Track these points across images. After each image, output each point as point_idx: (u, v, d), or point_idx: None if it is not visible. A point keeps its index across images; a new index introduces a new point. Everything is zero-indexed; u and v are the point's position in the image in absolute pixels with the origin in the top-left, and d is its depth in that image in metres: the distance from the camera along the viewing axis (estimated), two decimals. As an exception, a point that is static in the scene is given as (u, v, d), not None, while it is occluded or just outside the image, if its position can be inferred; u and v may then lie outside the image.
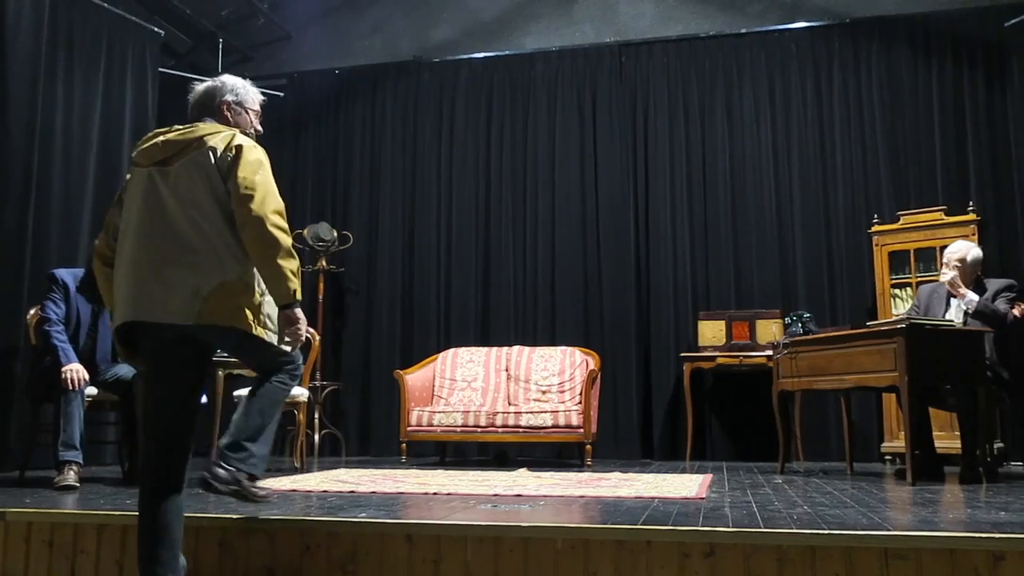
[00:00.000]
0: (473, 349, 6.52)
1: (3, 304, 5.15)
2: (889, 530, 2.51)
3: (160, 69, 6.72)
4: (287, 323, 2.64)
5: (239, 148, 2.65)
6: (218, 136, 2.68)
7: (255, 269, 2.60)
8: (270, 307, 2.64)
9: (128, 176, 2.77)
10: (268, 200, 2.61)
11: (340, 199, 7.44)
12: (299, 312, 2.63)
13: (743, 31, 6.92)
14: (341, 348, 7.24)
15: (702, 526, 2.59)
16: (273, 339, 2.65)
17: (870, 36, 6.64)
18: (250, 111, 2.93)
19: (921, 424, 4.58)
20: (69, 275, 4.51)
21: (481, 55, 7.39)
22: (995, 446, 4.76)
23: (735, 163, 6.78)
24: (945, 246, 5.08)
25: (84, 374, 4.19)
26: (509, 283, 7.03)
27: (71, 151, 5.87)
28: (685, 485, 4.02)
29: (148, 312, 2.53)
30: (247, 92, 2.93)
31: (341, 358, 7.22)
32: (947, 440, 5.09)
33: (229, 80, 2.92)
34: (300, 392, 5.37)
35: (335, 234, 6.94)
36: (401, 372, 6.14)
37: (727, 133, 6.82)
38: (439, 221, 7.25)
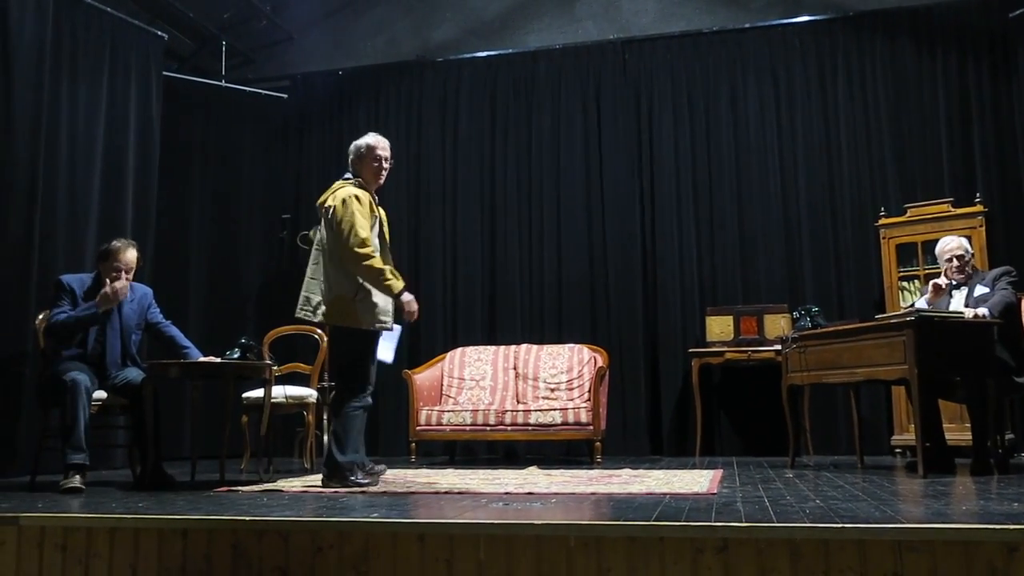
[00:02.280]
0: (481, 348, 6.52)
1: (11, 309, 5.17)
2: (902, 523, 2.50)
3: (164, 73, 6.73)
4: (402, 310, 4.14)
5: (341, 200, 4.08)
6: (331, 196, 4.16)
7: (359, 282, 4.05)
8: (363, 307, 4.05)
9: None
10: (351, 235, 4.02)
11: (345, 200, 7.43)
12: (405, 296, 4.09)
13: (746, 26, 6.90)
14: (348, 349, 7.23)
15: (715, 521, 2.58)
16: (364, 324, 4.07)
17: (873, 29, 6.62)
18: (367, 158, 4.26)
19: (931, 416, 4.57)
20: (76, 280, 4.51)
21: (484, 54, 7.39)
22: (1006, 437, 4.73)
23: (740, 158, 6.76)
24: (954, 238, 5.07)
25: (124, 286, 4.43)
26: (516, 281, 7.02)
27: (76, 156, 5.88)
28: (696, 481, 4.02)
29: (301, 312, 4.21)
30: (363, 148, 4.28)
31: (348, 359, 7.21)
32: (957, 432, 5.08)
33: (354, 144, 4.32)
34: (308, 393, 5.39)
35: (341, 235, 6.93)
36: (409, 372, 6.14)
37: (732, 128, 6.81)
38: (444, 220, 7.25)
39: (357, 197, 4.08)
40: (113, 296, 4.37)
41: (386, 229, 4.32)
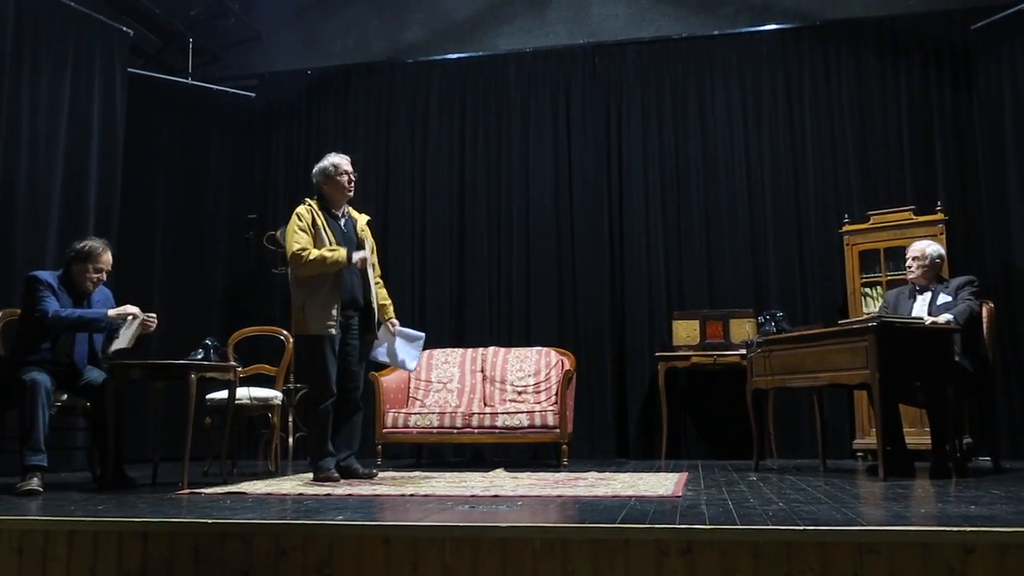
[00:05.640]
0: (448, 350, 6.50)
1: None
2: (862, 525, 2.54)
3: (129, 69, 6.63)
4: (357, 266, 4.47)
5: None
6: None
7: (303, 292, 4.41)
8: (313, 320, 4.36)
9: None
10: (288, 250, 4.43)
11: (313, 200, 7.38)
12: (354, 257, 4.42)
13: (715, 33, 6.97)
14: (315, 350, 7.18)
15: (679, 524, 2.60)
16: (311, 330, 4.38)
17: (839, 38, 6.72)
18: (331, 179, 4.59)
19: (892, 421, 4.64)
20: (51, 276, 4.42)
21: (454, 56, 7.38)
22: (964, 441, 4.83)
23: (708, 164, 6.83)
24: (916, 246, 5.14)
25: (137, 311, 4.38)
26: (484, 284, 7.02)
27: (36, 152, 5.76)
28: (661, 483, 4.04)
29: None
30: (326, 168, 4.60)
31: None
32: (917, 436, 5.16)
33: (317, 167, 4.63)
34: (273, 395, 5.34)
35: (308, 236, 6.88)
36: (376, 374, 6.09)
37: (700, 134, 6.87)
38: (412, 222, 7.23)
39: (298, 214, 4.49)
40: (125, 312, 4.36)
41: (361, 242, 4.62)
